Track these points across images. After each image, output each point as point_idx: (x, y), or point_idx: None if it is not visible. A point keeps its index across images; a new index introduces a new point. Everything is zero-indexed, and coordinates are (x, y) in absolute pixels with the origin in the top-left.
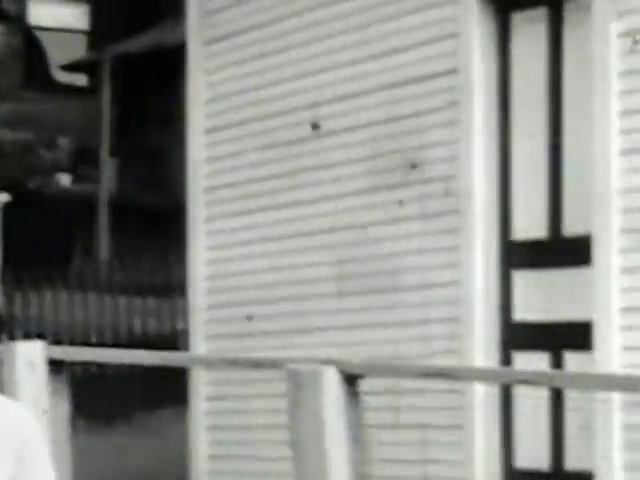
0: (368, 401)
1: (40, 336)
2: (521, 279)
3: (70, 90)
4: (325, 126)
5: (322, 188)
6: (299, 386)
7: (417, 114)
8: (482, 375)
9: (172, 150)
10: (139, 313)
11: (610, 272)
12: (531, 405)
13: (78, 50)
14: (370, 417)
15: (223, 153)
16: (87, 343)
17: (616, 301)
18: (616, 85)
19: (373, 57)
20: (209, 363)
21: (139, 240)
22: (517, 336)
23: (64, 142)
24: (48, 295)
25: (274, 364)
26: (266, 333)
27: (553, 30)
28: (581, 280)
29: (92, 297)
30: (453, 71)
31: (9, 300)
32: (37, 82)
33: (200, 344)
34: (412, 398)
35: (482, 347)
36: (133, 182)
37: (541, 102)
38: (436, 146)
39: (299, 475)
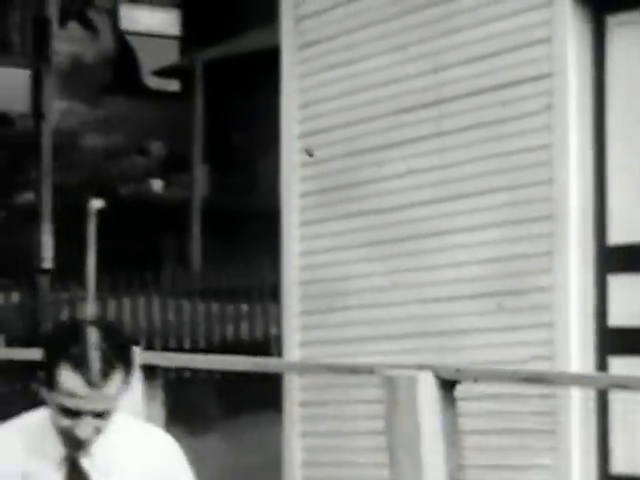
0: (463, 406)
1: (134, 342)
2: (617, 284)
3: (162, 95)
4: (419, 130)
5: (412, 193)
6: (395, 392)
7: (511, 119)
8: (578, 380)
9: (264, 155)
10: (232, 319)
11: None
12: (628, 410)
13: (170, 56)
14: (465, 423)
15: (316, 158)
16: (180, 349)
17: None
18: None
19: (466, 62)
20: (304, 369)
21: (231, 245)
22: (613, 341)
23: (156, 148)
24: (141, 300)
25: (369, 370)
26: (361, 339)
27: None
28: None
29: (185, 302)
30: (548, 75)
31: (103, 306)
32: (129, 88)
33: (293, 350)
34: (507, 403)
35: (578, 352)
36: (225, 187)
37: (637, 105)
38: (531, 151)
39: None
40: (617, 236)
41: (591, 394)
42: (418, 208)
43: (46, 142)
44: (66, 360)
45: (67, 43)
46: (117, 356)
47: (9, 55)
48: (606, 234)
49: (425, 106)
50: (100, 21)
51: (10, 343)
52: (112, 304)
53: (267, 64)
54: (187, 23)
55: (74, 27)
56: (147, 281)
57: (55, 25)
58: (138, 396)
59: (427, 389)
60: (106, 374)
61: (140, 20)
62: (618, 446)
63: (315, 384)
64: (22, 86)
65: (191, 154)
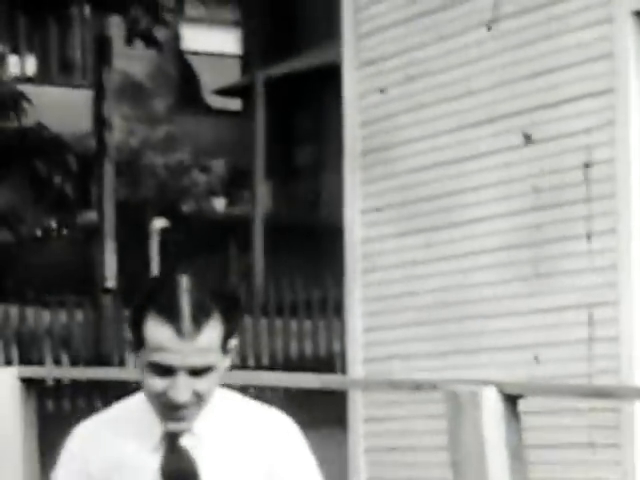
0: (527, 421)
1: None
2: None
3: (223, 114)
4: (475, 148)
5: (478, 209)
6: (459, 407)
7: (574, 134)
8: None
9: (326, 170)
10: (295, 335)
11: None
12: None
13: (231, 74)
14: (530, 437)
15: (378, 175)
16: (244, 366)
17: None
18: None
19: (527, 77)
20: (368, 385)
21: (295, 261)
22: None
23: (218, 165)
24: None
25: (433, 386)
26: (424, 355)
27: None
28: None
29: (248, 319)
30: (610, 91)
31: None
32: (190, 106)
33: (357, 366)
34: (572, 418)
35: None
36: (288, 203)
37: None
38: (594, 165)
39: None
40: None
41: None
42: (481, 224)
43: (108, 161)
44: (153, 310)
45: (129, 62)
46: (213, 303)
47: (71, 75)
48: None
49: (489, 121)
50: (164, 40)
51: (74, 362)
52: None
53: (328, 81)
54: (247, 41)
55: (137, 46)
56: None
57: (119, 43)
58: None
59: (491, 404)
60: (199, 322)
61: (201, 39)
62: None
63: (379, 400)
64: (84, 106)
65: (253, 171)
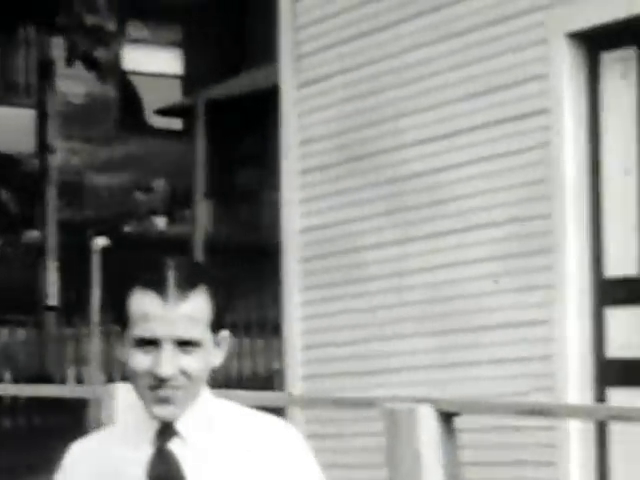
0: (463, 438)
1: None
2: (614, 316)
3: (165, 134)
4: (421, 166)
5: (422, 226)
6: (395, 424)
7: (508, 154)
8: (577, 412)
9: (265, 191)
10: (234, 354)
11: None
12: (627, 441)
13: (172, 95)
14: (465, 455)
15: (317, 194)
16: None
17: None
18: None
19: (466, 97)
20: (307, 403)
21: (234, 281)
22: (611, 373)
23: (159, 185)
24: None
25: (370, 403)
26: (361, 373)
27: None
28: None
29: None
30: (544, 111)
31: (108, 342)
32: (132, 126)
33: (296, 384)
34: (507, 435)
35: (576, 384)
36: (227, 224)
37: (632, 141)
38: (526, 185)
39: None
40: (614, 269)
41: (590, 426)
42: (420, 242)
43: (51, 181)
44: (138, 285)
45: (71, 83)
46: (198, 277)
47: (14, 95)
48: (603, 267)
49: (424, 142)
50: (104, 61)
51: (16, 379)
52: (117, 340)
53: (268, 102)
54: (188, 62)
55: (79, 68)
56: None
57: (61, 65)
58: None
59: (427, 421)
60: (184, 289)
61: (143, 60)
62: (618, 478)
63: (319, 417)
64: (27, 126)
65: (193, 191)
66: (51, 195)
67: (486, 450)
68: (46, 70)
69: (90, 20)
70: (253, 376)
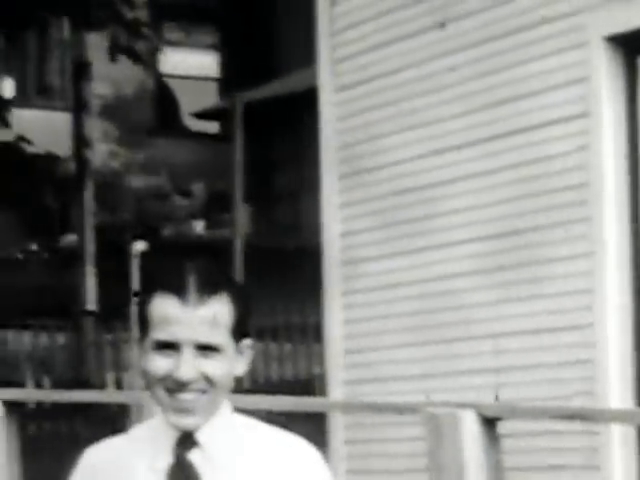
0: (506, 443)
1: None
2: None
3: (201, 137)
4: (453, 172)
5: (455, 232)
6: (438, 430)
7: (548, 158)
8: (618, 416)
9: (305, 194)
10: (275, 358)
11: None
12: None
13: (208, 97)
14: (508, 460)
15: (357, 199)
16: None
17: None
18: None
19: (502, 102)
20: (349, 408)
21: (274, 284)
22: None
23: (198, 189)
24: None
25: (412, 408)
26: (406, 377)
27: None
28: None
29: None
30: (583, 115)
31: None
32: (169, 129)
33: (337, 389)
34: (549, 440)
35: (617, 389)
36: (267, 227)
37: None
38: (566, 190)
39: None
40: None
41: (632, 430)
42: (460, 246)
43: (88, 184)
44: (159, 288)
45: (108, 84)
46: (220, 281)
47: (49, 98)
48: None
49: (460, 147)
50: (145, 55)
51: (55, 385)
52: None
53: (305, 105)
54: (226, 65)
55: (116, 68)
56: None
57: (97, 65)
58: None
59: (470, 426)
60: (205, 292)
61: (180, 62)
62: None
63: (360, 423)
64: (63, 129)
65: (232, 194)
66: (88, 198)
67: (528, 455)
68: (82, 71)
69: (128, 14)
70: (294, 381)
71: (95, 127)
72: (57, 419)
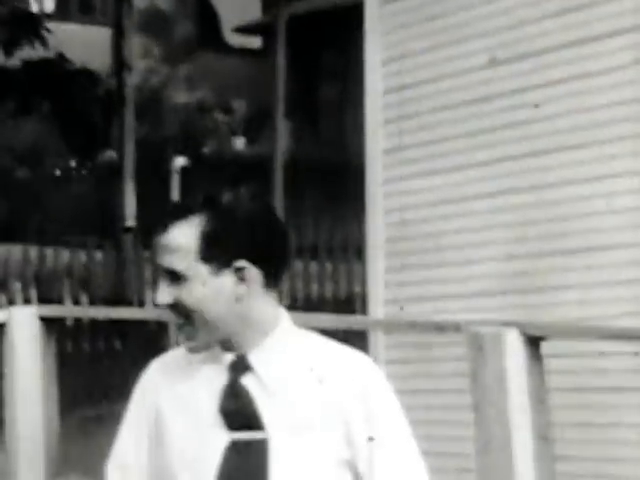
0: (550, 363)
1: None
2: None
3: (243, 52)
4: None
5: (503, 148)
6: (480, 349)
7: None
8: None
9: (348, 110)
10: (315, 277)
11: None
12: None
13: (251, 12)
14: (551, 380)
15: (400, 114)
16: None
17: None
18: None
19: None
20: (389, 326)
21: (315, 202)
22: None
23: (239, 105)
24: None
25: (455, 327)
26: (444, 296)
27: None
28: None
29: None
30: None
31: None
32: (211, 44)
33: (378, 308)
34: (595, 360)
35: None
36: (308, 143)
37: None
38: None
39: (481, 438)
40: None
41: None
42: (509, 162)
43: (129, 100)
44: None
45: (148, 0)
46: (198, 207)
47: (90, 13)
48: None
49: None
50: None
51: (93, 302)
52: None
53: (352, 18)
54: None
55: None
56: None
57: None
58: None
59: (513, 346)
60: (170, 220)
61: None
62: None
63: (400, 342)
64: (104, 44)
65: (274, 110)
66: (128, 114)
67: (572, 376)
68: None
69: None
70: (334, 299)
71: (135, 42)
72: (95, 337)
